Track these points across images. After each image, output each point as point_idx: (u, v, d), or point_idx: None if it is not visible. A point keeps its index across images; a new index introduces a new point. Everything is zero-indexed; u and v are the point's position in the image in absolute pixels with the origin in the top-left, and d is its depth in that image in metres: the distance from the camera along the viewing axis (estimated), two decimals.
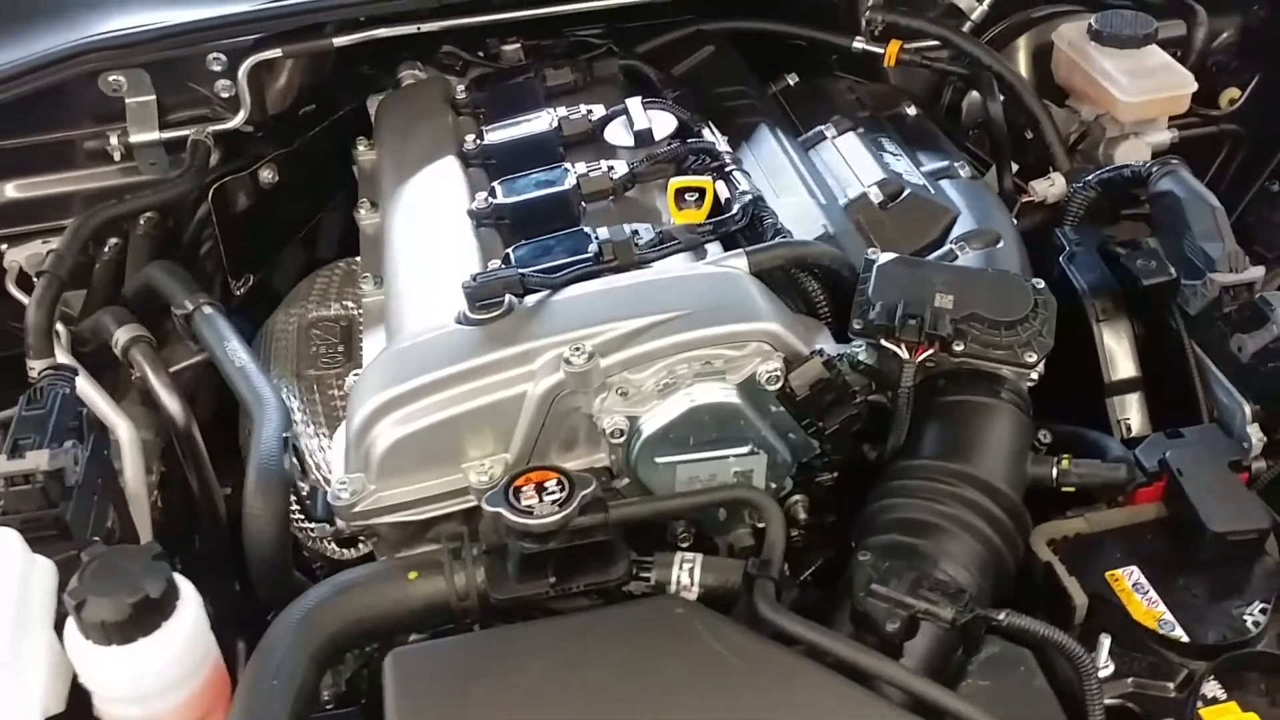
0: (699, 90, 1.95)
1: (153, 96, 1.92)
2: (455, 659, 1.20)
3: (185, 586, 1.20)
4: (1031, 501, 1.40)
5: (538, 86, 1.91)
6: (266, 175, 2.00)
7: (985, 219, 1.66)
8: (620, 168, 1.65)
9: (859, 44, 2.05)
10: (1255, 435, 1.50)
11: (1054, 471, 1.41)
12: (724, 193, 1.63)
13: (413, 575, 1.29)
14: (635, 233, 1.50)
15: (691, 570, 1.32)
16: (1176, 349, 1.58)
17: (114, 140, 1.91)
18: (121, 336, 1.67)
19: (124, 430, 1.68)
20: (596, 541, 1.28)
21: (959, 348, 1.40)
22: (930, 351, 1.39)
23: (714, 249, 1.56)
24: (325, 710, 1.37)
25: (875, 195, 1.65)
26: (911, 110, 1.94)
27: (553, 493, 1.25)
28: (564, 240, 1.52)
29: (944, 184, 1.74)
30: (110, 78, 1.89)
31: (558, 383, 1.33)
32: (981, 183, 1.78)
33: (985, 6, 2.07)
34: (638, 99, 1.76)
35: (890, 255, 1.47)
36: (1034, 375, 1.43)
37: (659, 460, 1.35)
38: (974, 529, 1.32)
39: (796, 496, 1.47)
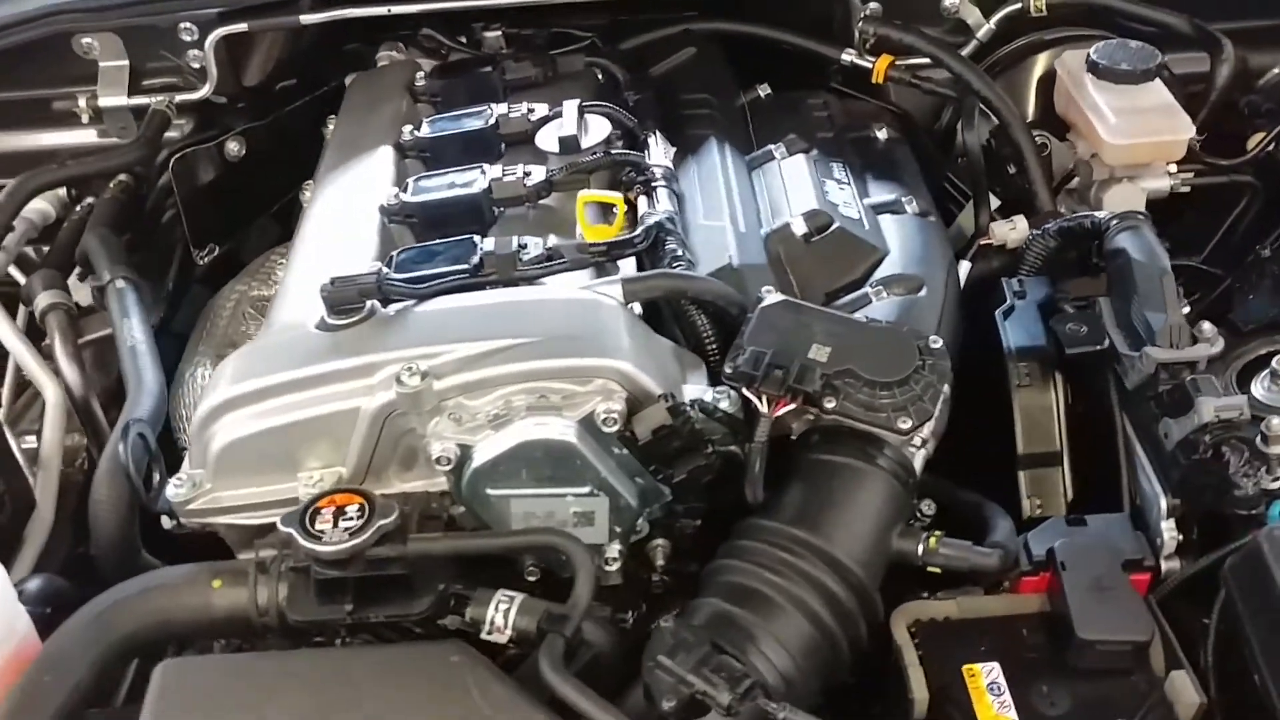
0: (668, 94, 1.86)
1: (125, 62, 1.93)
2: (221, 678, 1.17)
3: None
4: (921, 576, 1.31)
5: (496, 80, 1.85)
6: (233, 148, 1.99)
7: (919, 261, 1.54)
8: (538, 174, 1.58)
9: (848, 56, 1.92)
10: (1169, 532, 1.35)
11: (920, 549, 1.30)
12: (644, 209, 1.55)
13: (216, 583, 1.26)
14: (523, 246, 1.44)
15: (507, 611, 1.25)
16: (1107, 425, 1.45)
17: (82, 103, 1.93)
18: (41, 301, 1.68)
19: (50, 392, 1.69)
20: (398, 574, 1.23)
21: (830, 404, 1.29)
22: (791, 406, 1.29)
23: (627, 266, 1.48)
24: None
25: (799, 227, 1.54)
26: (882, 134, 1.81)
27: (350, 519, 1.20)
28: (450, 248, 1.45)
29: (886, 219, 1.62)
30: (83, 40, 1.90)
31: (389, 402, 1.28)
32: (929, 221, 1.65)
33: (992, 25, 1.91)
34: (575, 102, 1.68)
35: (777, 297, 1.37)
36: (916, 442, 1.32)
37: (490, 492, 1.29)
38: (805, 606, 1.22)
39: (658, 541, 1.39)
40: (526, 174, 1.57)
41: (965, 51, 1.92)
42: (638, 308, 1.41)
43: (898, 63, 1.89)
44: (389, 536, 1.21)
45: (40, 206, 1.95)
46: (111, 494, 1.39)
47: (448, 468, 1.29)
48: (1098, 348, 1.42)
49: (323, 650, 1.22)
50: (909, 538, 1.31)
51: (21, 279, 1.82)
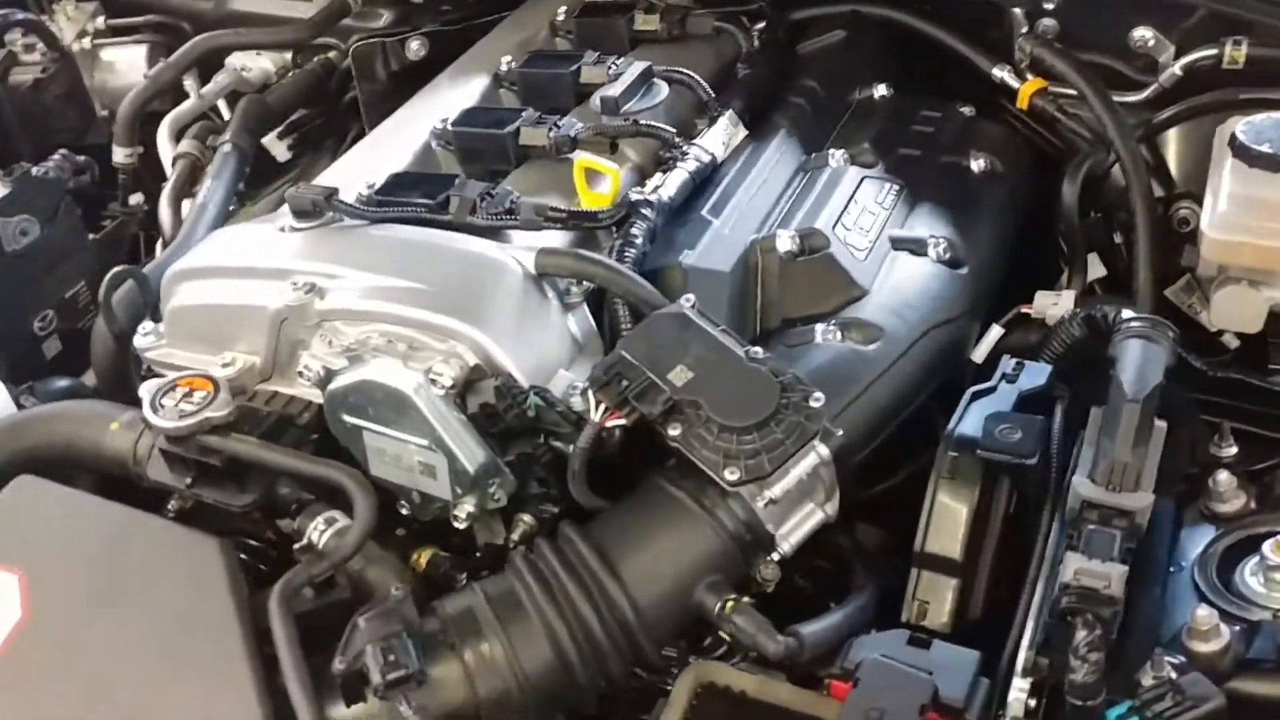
0: (790, 74, 1.74)
1: None
2: (53, 505, 1.32)
3: None
4: None
5: (623, 27, 1.82)
6: (415, 46, 2.09)
7: (895, 310, 1.38)
8: (568, 129, 1.55)
9: (999, 72, 1.70)
10: (1017, 691, 1.14)
11: (716, 608, 1.20)
12: (646, 186, 1.49)
13: (115, 425, 1.40)
14: (488, 196, 1.44)
15: (323, 532, 1.30)
16: (1027, 546, 1.24)
17: None
18: (176, 148, 1.91)
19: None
20: (239, 465, 1.31)
21: (674, 432, 1.21)
22: (622, 421, 1.22)
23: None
24: None
25: (786, 243, 1.41)
26: (978, 165, 1.60)
27: (193, 403, 1.29)
28: (432, 182, 1.48)
29: (900, 257, 1.44)
30: None
31: (280, 309, 1.35)
32: (949, 272, 1.45)
33: (1178, 70, 1.59)
34: (643, 65, 1.63)
35: (676, 308, 1.28)
36: (762, 499, 1.20)
37: (345, 419, 1.33)
38: (552, 630, 1.18)
39: (524, 516, 1.37)
40: (555, 126, 1.56)
41: (1143, 95, 1.63)
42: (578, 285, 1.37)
43: (1050, 89, 1.65)
44: (217, 429, 1.29)
45: (263, 65, 2.18)
46: (102, 331, 1.57)
47: (308, 385, 1.34)
48: (1016, 460, 1.21)
49: (135, 513, 1.32)
50: (714, 592, 1.21)
51: None
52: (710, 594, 1.21)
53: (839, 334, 1.35)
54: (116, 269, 1.56)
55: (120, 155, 1.96)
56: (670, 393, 1.21)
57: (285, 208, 1.58)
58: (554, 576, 1.20)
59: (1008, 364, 1.37)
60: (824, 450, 1.23)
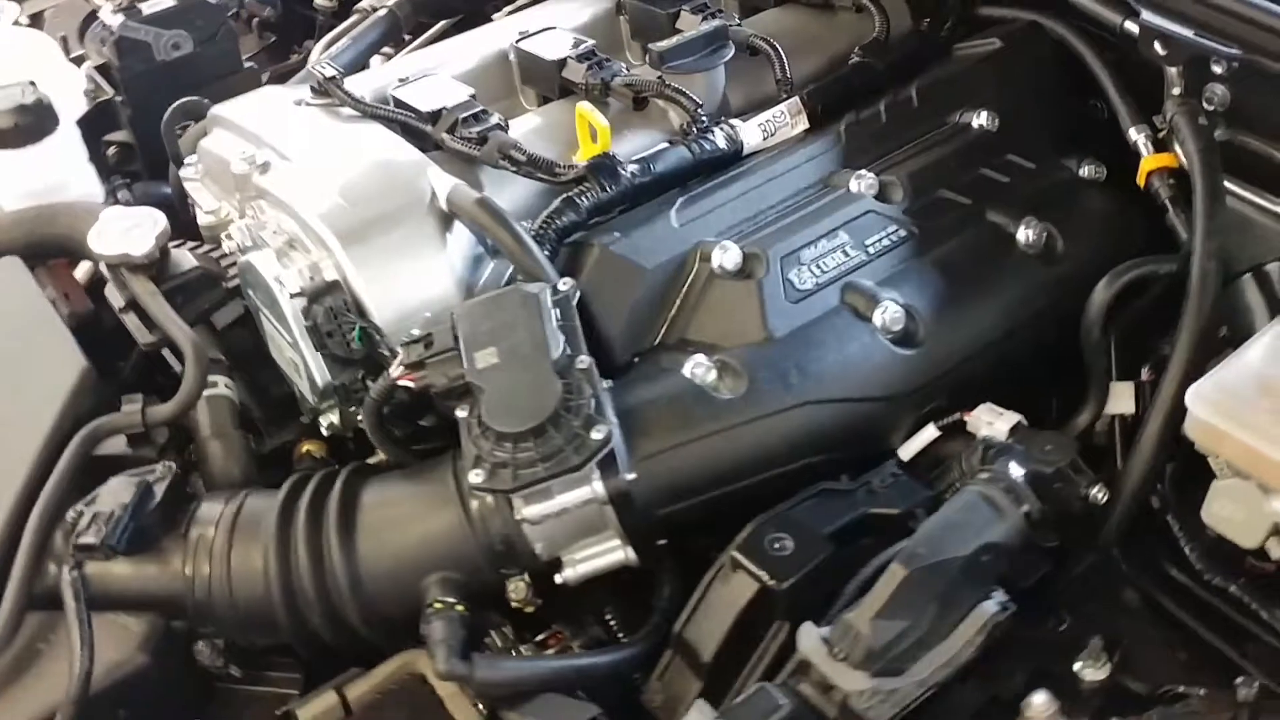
0: (902, 75, 1.50)
1: None
2: None
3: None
4: None
5: None
6: None
7: (789, 370, 1.19)
8: (608, 74, 1.45)
9: (1134, 134, 1.36)
10: None
11: (427, 604, 1.13)
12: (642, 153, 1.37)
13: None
14: (477, 118, 1.39)
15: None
16: None
17: None
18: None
19: None
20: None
21: (461, 413, 1.14)
22: (410, 384, 1.16)
23: None
24: None
25: (722, 257, 1.24)
26: (1030, 234, 1.30)
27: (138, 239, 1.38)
28: (450, 91, 1.44)
29: (839, 311, 1.23)
30: None
31: (235, 176, 1.39)
32: (884, 345, 1.20)
33: None
34: (723, 24, 1.47)
35: (538, 288, 1.18)
36: (521, 515, 1.11)
37: (249, 293, 1.37)
38: (267, 568, 1.17)
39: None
40: (599, 68, 1.46)
41: None
42: None
43: (1174, 170, 1.31)
44: (136, 268, 1.37)
45: None
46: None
47: (232, 255, 1.39)
48: (763, 579, 1.02)
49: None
50: (438, 589, 1.14)
51: None
52: (435, 588, 1.14)
53: (712, 373, 1.18)
54: (186, 99, 1.67)
55: None
56: (466, 372, 1.13)
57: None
58: (296, 513, 1.18)
59: (884, 471, 1.15)
60: (599, 488, 1.11)
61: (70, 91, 1.80)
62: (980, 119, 1.42)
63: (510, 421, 1.09)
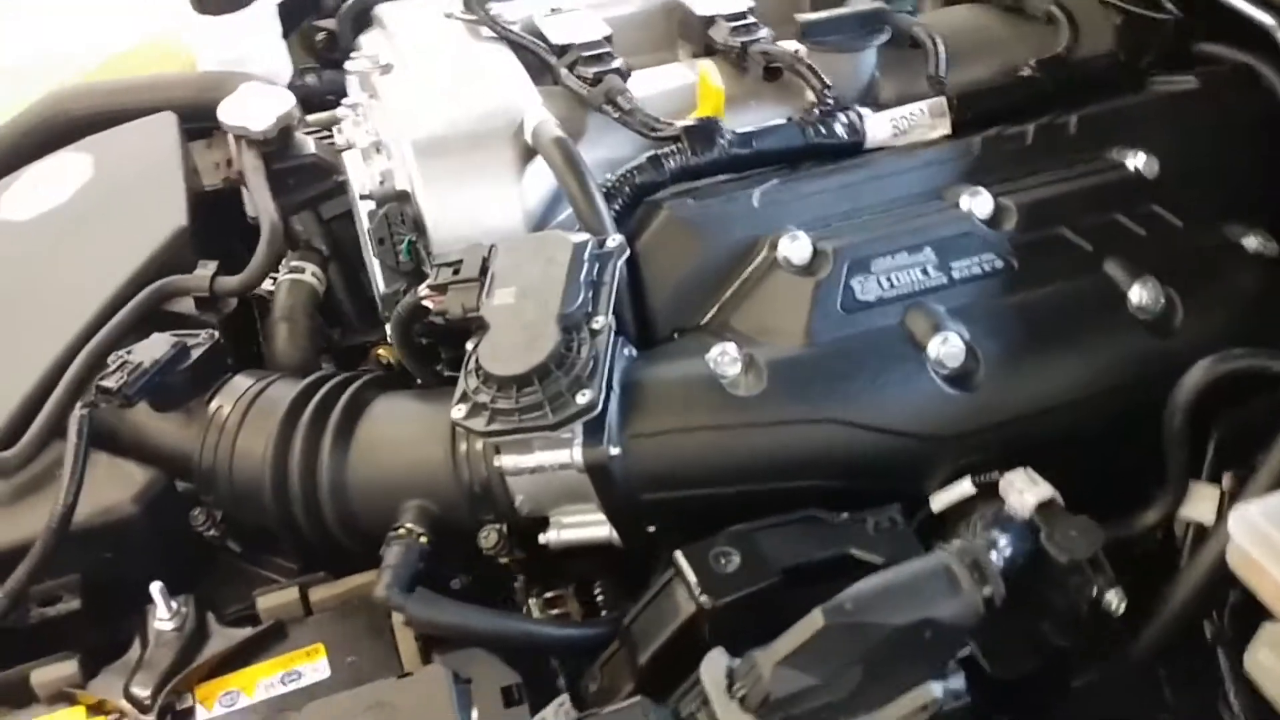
0: (1071, 101, 1.35)
1: None
2: None
3: None
4: None
5: None
6: None
7: (818, 384, 1.09)
8: (752, 37, 1.37)
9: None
10: None
11: (395, 529, 1.11)
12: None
13: None
14: (604, 55, 1.35)
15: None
16: None
17: None
18: None
19: None
20: None
21: (470, 344, 1.11)
22: (430, 305, 1.15)
23: None
24: None
25: (791, 248, 1.14)
26: (1144, 296, 1.13)
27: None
28: (592, 37, 1.39)
29: (890, 332, 1.12)
30: None
31: (356, 72, 1.42)
32: (930, 379, 1.08)
33: None
34: (881, 7, 1.36)
35: (581, 238, 1.13)
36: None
37: (350, 185, 1.39)
38: (265, 455, 1.17)
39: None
40: (745, 31, 1.39)
41: None
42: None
43: None
44: (252, 143, 1.43)
45: None
46: None
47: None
48: (694, 593, 0.93)
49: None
50: (410, 515, 1.12)
51: None
52: (409, 514, 1.13)
53: (735, 366, 1.10)
54: None
55: None
56: (479, 306, 1.11)
57: None
58: (304, 408, 1.19)
59: (884, 513, 1.04)
60: (578, 454, 1.06)
61: None
62: (1137, 160, 1.25)
63: (498, 364, 1.05)
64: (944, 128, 1.33)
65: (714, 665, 0.89)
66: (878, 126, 1.32)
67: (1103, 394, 1.14)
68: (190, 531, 1.26)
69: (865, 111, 1.32)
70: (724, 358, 1.11)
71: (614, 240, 1.16)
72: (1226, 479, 1.07)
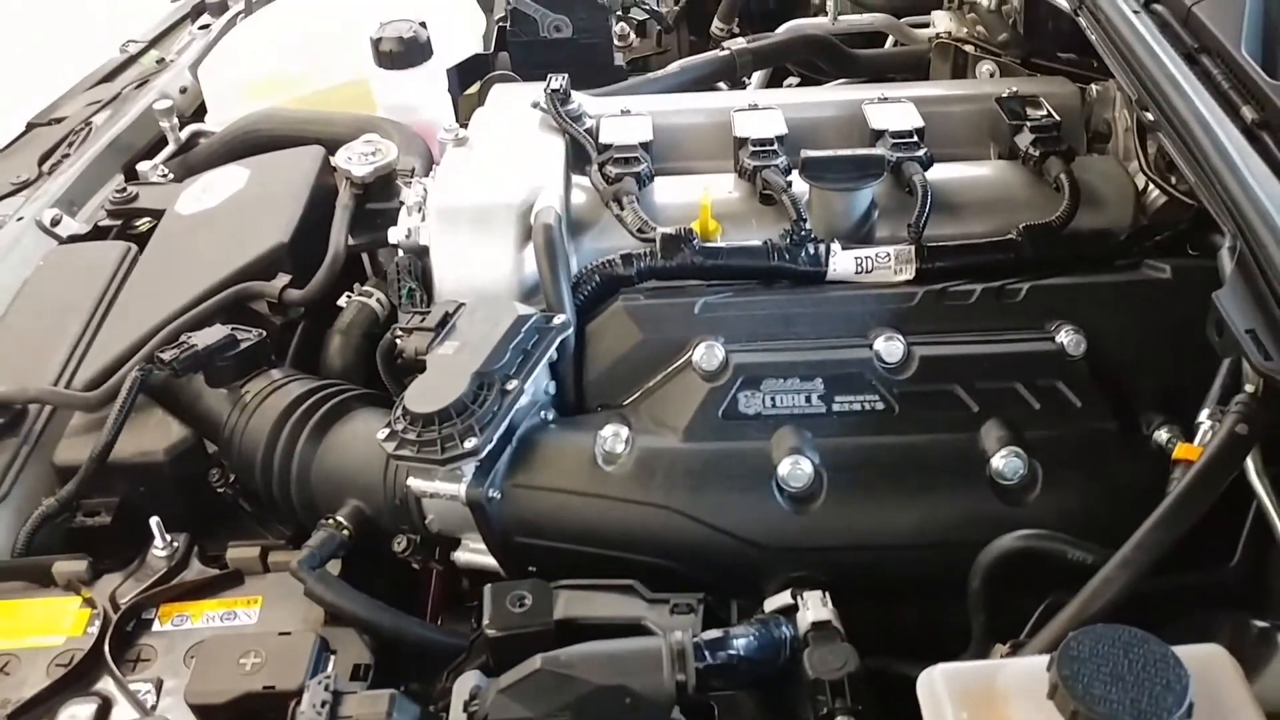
0: None
1: None
2: None
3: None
4: None
5: None
6: None
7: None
8: (767, 165, 1.54)
9: (1201, 417, 1.19)
10: None
11: (327, 520, 1.36)
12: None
13: None
14: (632, 159, 1.57)
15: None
16: None
17: None
18: None
19: None
20: None
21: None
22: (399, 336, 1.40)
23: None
24: None
25: (703, 356, 1.30)
26: (1003, 465, 1.19)
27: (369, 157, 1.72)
28: (629, 141, 1.61)
29: None
30: None
31: (440, 140, 1.67)
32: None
33: None
34: (878, 152, 1.48)
35: (531, 311, 1.34)
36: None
37: None
38: (260, 435, 1.44)
39: None
40: (760, 155, 1.55)
41: None
42: None
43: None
44: (351, 182, 1.71)
45: None
46: None
47: None
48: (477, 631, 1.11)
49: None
50: (344, 512, 1.36)
51: None
52: (345, 510, 1.37)
53: (619, 445, 1.27)
54: (503, 72, 1.97)
55: None
56: (428, 350, 1.33)
57: None
58: (299, 408, 1.44)
59: (685, 598, 1.18)
60: (463, 490, 1.26)
61: (461, 36, 2.18)
62: (1065, 337, 1.32)
63: (416, 402, 1.27)
64: (908, 274, 1.44)
65: (464, 683, 1.07)
66: (843, 262, 1.44)
67: (935, 546, 1.22)
68: (210, 486, 1.55)
69: (835, 246, 1.45)
70: (613, 437, 1.29)
71: (560, 319, 1.36)
72: (1001, 650, 1.13)
